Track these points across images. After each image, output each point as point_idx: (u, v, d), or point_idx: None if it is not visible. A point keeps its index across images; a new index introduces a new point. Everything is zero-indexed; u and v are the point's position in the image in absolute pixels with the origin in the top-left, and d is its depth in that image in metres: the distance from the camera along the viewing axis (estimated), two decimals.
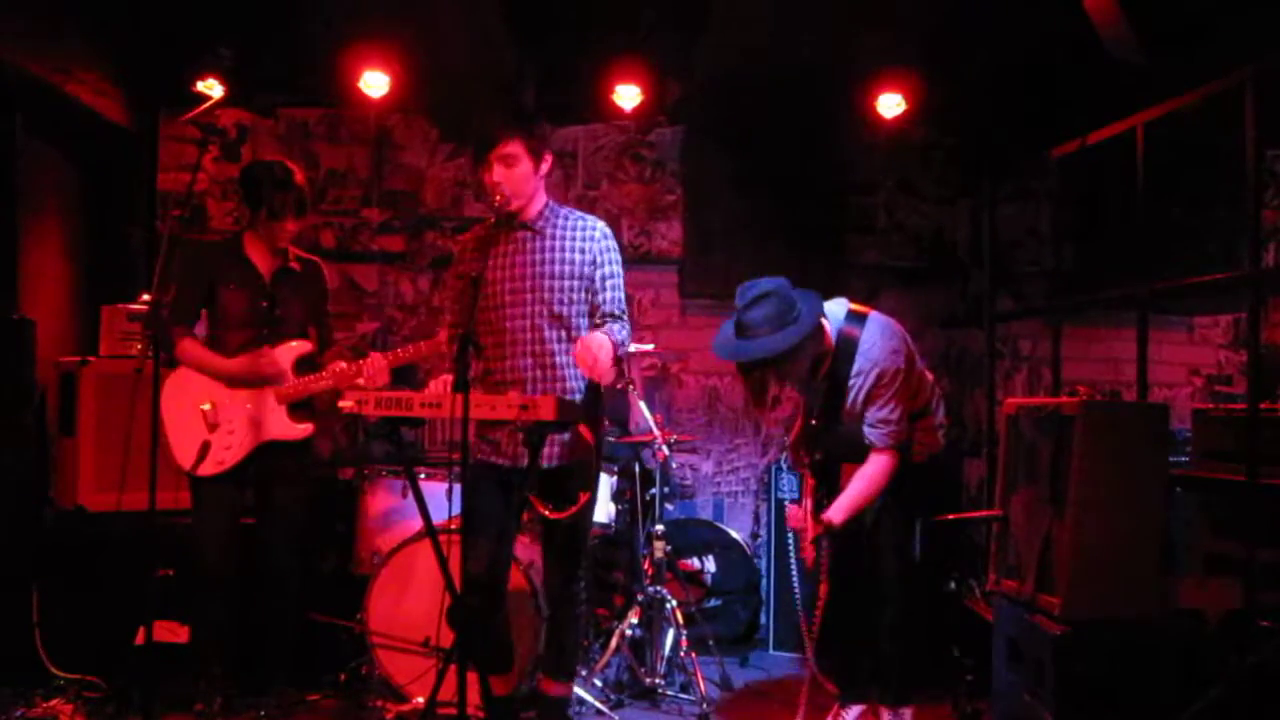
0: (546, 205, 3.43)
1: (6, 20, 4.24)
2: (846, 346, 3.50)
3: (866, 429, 3.50)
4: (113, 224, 5.39)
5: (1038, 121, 4.96)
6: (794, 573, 3.77)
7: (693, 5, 5.01)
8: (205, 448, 3.74)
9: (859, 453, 3.54)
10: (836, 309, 3.58)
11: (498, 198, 3.25)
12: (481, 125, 3.36)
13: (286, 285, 3.91)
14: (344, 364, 3.77)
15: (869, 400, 3.47)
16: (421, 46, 5.08)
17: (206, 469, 3.76)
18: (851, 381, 3.49)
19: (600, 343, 3.18)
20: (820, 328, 3.47)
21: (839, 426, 3.57)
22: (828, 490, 3.64)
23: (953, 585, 4.64)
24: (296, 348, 3.89)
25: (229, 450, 3.78)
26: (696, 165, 5.75)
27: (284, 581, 3.92)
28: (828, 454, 3.68)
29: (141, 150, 5.52)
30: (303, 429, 3.86)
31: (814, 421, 3.66)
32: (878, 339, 3.50)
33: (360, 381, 3.67)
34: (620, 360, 3.41)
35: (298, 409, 3.87)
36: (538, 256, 3.36)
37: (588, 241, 3.37)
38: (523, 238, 3.39)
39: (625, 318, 3.43)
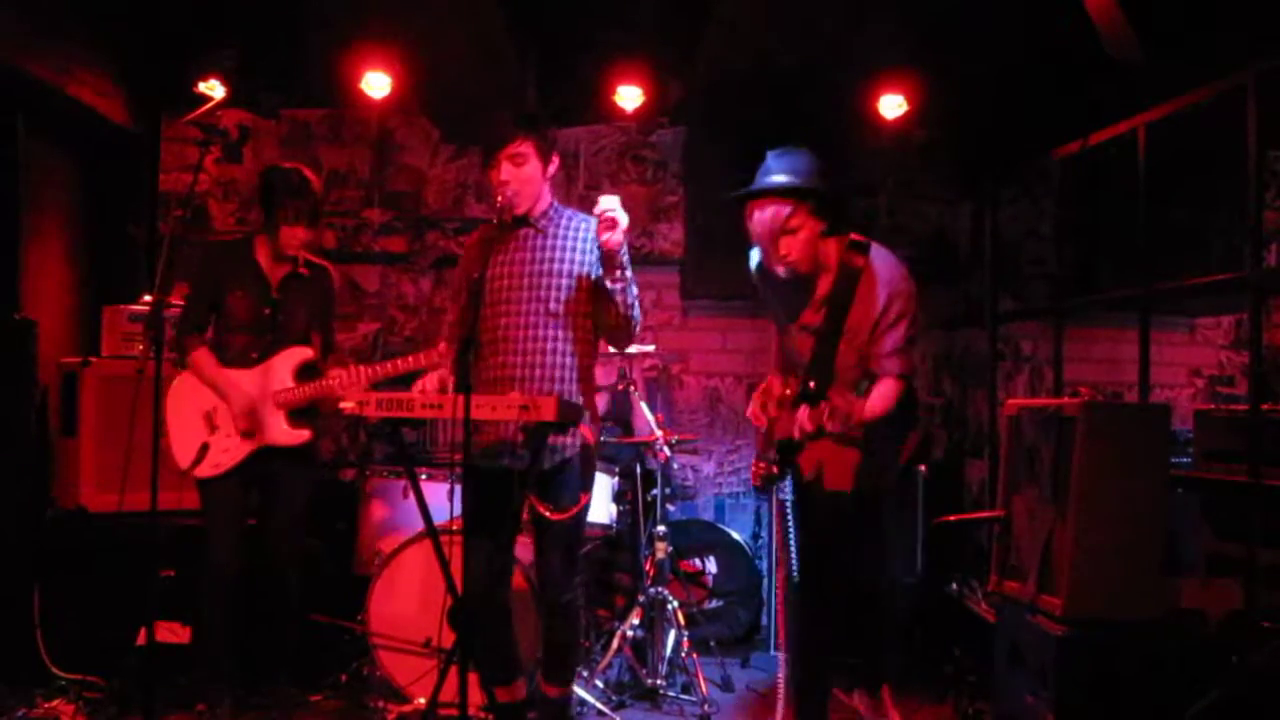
0: (551, 205, 3.44)
1: (8, 21, 4.24)
2: (850, 271, 3.33)
3: (881, 359, 3.22)
4: (114, 225, 5.39)
5: (1039, 122, 4.96)
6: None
7: (693, 5, 5.01)
8: (204, 449, 3.75)
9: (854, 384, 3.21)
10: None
11: (500, 197, 3.27)
12: (493, 125, 3.37)
13: (292, 291, 3.91)
14: (342, 371, 3.77)
15: (883, 325, 3.23)
16: (423, 47, 5.08)
17: (204, 470, 3.77)
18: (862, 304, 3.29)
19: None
20: (841, 205, 3.43)
21: (835, 353, 3.30)
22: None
23: (954, 586, 4.63)
24: (298, 354, 3.88)
25: (226, 453, 3.78)
26: (698, 166, 5.74)
27: (283, 582, 3.90)
28: (820, 384, 3.22)
29: (143, 151, 5.53)
30: (301, 434, 3.85)
31: (810, 335, 3.40)
32: (885, 262, 3.35)
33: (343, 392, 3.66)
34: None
35: (297, 415, 3.87)
36: (537, 254, 3.37)
37: (588, 242, 3.37)
38: (525, 235, 3.40)
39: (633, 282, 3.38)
